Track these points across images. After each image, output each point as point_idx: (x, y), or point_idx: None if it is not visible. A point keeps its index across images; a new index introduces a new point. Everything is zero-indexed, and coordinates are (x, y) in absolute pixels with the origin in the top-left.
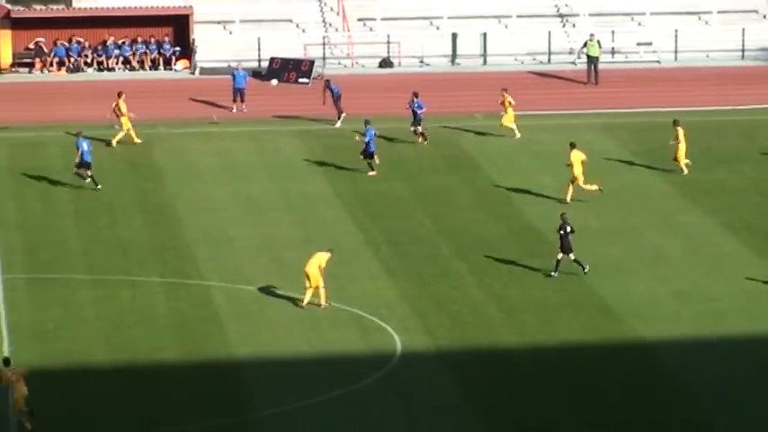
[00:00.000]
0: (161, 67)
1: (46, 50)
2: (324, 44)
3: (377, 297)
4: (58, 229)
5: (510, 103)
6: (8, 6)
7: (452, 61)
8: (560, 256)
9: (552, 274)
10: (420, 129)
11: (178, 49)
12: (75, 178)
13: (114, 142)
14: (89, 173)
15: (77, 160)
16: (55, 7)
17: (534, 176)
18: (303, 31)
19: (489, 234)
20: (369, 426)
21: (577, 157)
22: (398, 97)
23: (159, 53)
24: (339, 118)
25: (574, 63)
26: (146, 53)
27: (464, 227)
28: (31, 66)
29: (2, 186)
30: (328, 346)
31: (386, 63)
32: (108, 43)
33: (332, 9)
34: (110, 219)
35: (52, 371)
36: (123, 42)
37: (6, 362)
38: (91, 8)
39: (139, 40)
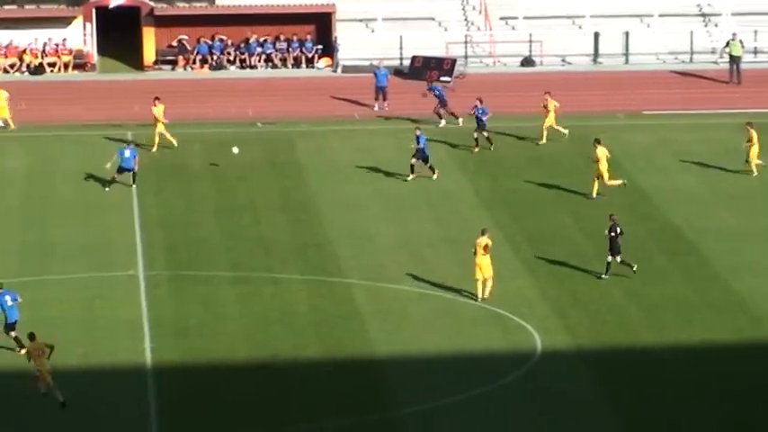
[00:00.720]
0: (303, 65)
1: (189, 48)
2: (466, 43)
3: (518, 296)
4: (199, 226)
5: (555, 106)
6: (152, 4)
7: (594, 60)
8: (610, 258)
9: (603, 276)
10: (485, 134)
11: (320, 47)
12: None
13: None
14: (117, 178)
15: (117, 167)
16: (198, 5)
17: (675, 176)
18: (445, 29)
19: (630, 233)
20: (508, 424)
21: (603, 153)
22: (540, 96)
23: (301, 51)
24: (449, 118)
25: (716, 63)
26: (288, 51)
27: (605, 226)
28: (174, 63)
29: (144, 183)
30: (469, 344)
31: (528, 62)
32: (250, 41)
33: (474, 8)
34: (252, 216)
35: (194, 367)
36: (266, 40)
37: (32, 337)
38: (234, 6)
39: (282, 37)
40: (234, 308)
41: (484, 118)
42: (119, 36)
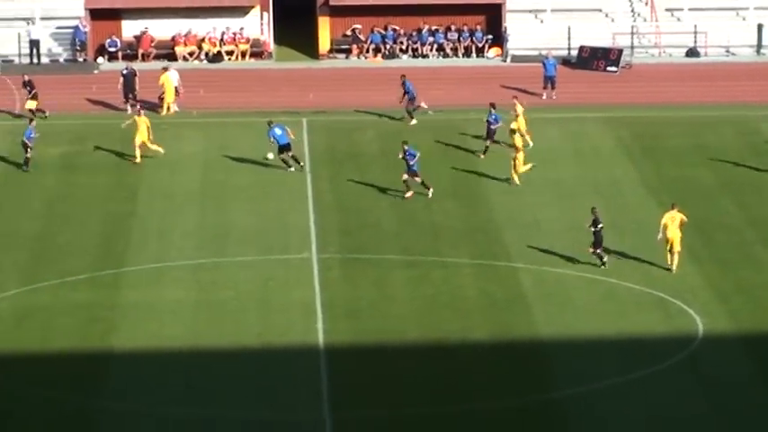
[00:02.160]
0: (473, 54)
1: (362, 37)
2: (632, 33)
3: (681, 281)
4: (372, 211)
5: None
6: None
7: (758, 51)
8: (591, 250)
9: (604, 266)
10: (488, 143)
11: (490, 37)
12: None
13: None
14: (290, 154)
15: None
16: None
17: None
18: (612, 20)
19: None
20: (669, 406)
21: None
22: (705, 86)
23: (472, 41)
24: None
25: None
26: (459, 41)
27: None
28: (347, 52)
29: (318, 169)
30: (631, 328)
31: (692, 52)
32: (422, 31)
33: (640, 0)
34: (423, 202)
35: (364, 348)
36: (437, 30)
37: None
38: None
39: (453, 28)
40: (404, 291)
41: (494, 126)
42: (294, 25)
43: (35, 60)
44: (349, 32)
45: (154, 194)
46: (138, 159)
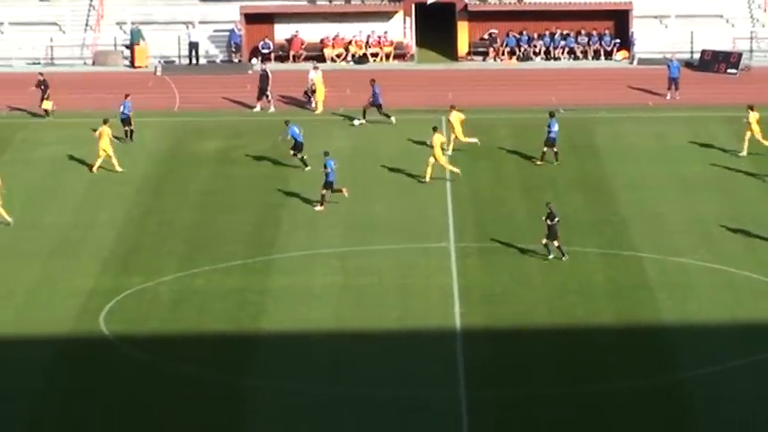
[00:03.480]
0: (602, 57)
1: (498, 40)
2: (751, 38)
3: None
4: (506, 202)
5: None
6: (466, 0)
7: None
8: (545, 241)
9: (549, 257)
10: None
11: (618, 41)
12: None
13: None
14: (300, 155)
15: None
16: (508, 1)
17: None
18: (732, 26)
19: None
20: None
21: (438, 140)
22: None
23: (600, 44)
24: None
25: None
26: (588, 44)
27: None
28: (484, 54)
29: (456, 163)
30: (751, 315)
31: None
32: (555, 35)
33: (759, 6)
34: (554, 194)
35: (499, 331)
36: (568, 34)
37: None
38: (540, 3)
39: (583, 32)
40: (536, 277)
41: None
42: (435, 29)
43: (194, 61)
44: (486, 36)
45: (303, 186)
46: None
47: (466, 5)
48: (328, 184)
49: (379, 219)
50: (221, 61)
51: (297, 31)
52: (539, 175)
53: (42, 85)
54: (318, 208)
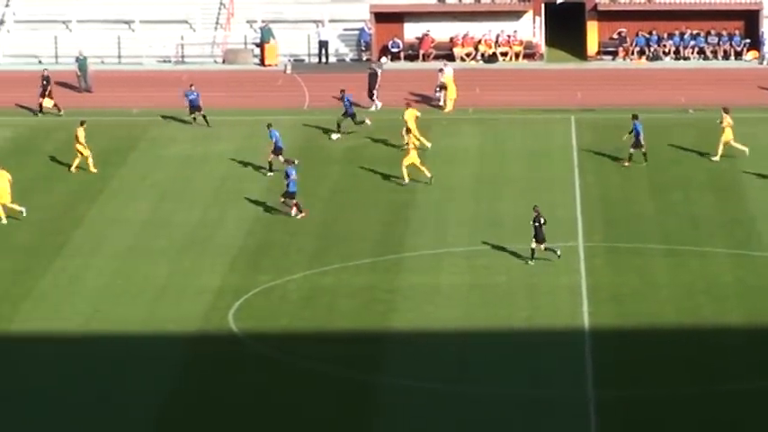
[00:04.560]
0: (731, 57)
1: (628, 40)
2: None
3: None
4: (635, 202)
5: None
6: (596, 0)
7: None
8: (534, 245)
9: (530, 262)
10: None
11: (748, 41)
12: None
13: (73, 168)
14: (281, 158)
15: (272, 148)
16: (638, 1)
17: None
18: None
19: None
20: None
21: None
22: None
23: (730, 45)
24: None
25: None
26: (718, 44)
27: None
28: (614, 53)
29: (585, 163)
30: None
31: None
32: (684, 35)
33: None
34: (683, 194)
35: (627, 330)
36: (698, 34)
37: None
38: (669, 2)
39: (713, 32)
40: (664, 277)
41: (638, 134)
42: (564, 29)
43: (323, 60)
44: (615, 36)
45: (431, 185)
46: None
47: (596, 5)
48: (289, 194)
49: (507, 217)
50: (351, 60)
51: (427, 30)
52: (667, 175)
53: (45, 81)
54: (295, 214)
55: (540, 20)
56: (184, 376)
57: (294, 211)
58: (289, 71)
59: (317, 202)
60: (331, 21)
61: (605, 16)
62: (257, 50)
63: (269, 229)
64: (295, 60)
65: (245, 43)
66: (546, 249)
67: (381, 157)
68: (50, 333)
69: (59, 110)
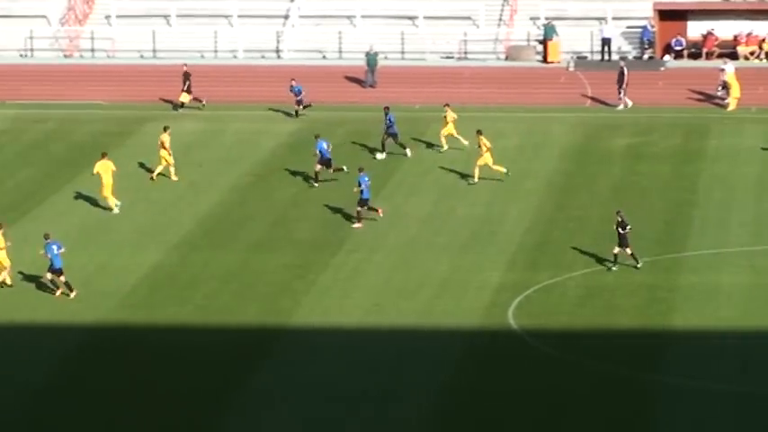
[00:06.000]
0: None
1: None
2: None
3: None
4: None
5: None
6: None
7: None
8: (617, 250)
9: (613, 268)
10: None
11: None
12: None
13: (155, 175)
14: (330, 169)
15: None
16: None
17: None
18: None
19: None
20: None
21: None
22: None
23: None
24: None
25: None
26: None
27: None
28: None
29: None
30: None
31: None
32: None
33: None
34: None
35: None
36: None
37: None
38: None
39: None
40: None
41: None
42: None
43: (605, 57)
44: None
45: (713, 184)
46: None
47: None
48: (363, 201)
49: None
50: (633, 58)
51: (712, 29)
52: None
53: (185, 77)
54: (356, 225)
55: None
56: (462, 371)
57: (379, 212)
58: (571, 68)
59: (596, 199)
60: (614, 18)
61: None
62: (540, 47)
63: (550, 227)
64: (578, 58)
65: (528, 40)
66: (631, 255)
67: (663, 155)
68: (330, 327)
69: (201, 102)
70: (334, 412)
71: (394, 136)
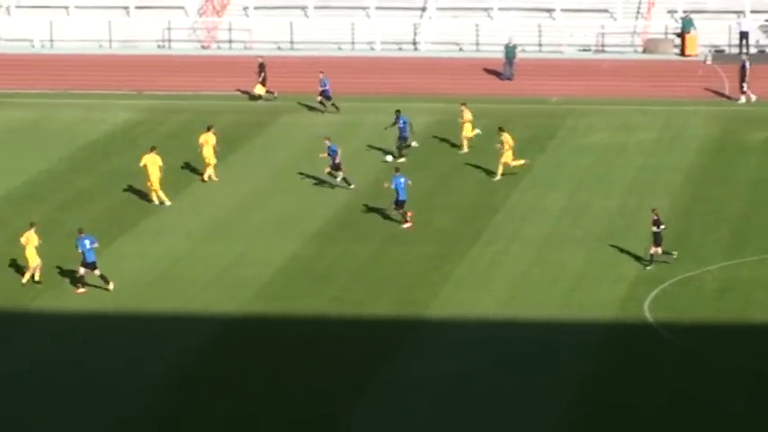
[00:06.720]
0: None
1: None
2: None
3: None
4: None
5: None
6: None
7: None
8: (653, 250)
9: (648, 267)
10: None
11: None
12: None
13: (206, 176)
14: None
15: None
16: None
17: None
18: None
19: None
20: None
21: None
22: None
23: None
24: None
25: None
26: None
27: None
28: None
29: None
30: None
31: None
32: None
33: None
34: None
35: None
36: None
37: None
38: None
39: None
40: None
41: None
42: None
43: (744, 50)
44: None
45: None
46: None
47: None
48: (400, 203)
49: None
50: None
51: None
52: None
53: (260, 68)
54: (406, 225)
55: None
56: (600, 363)
57: (407, 218)
58: (709, 62)
59: (735, 193)
60: (753, 11)
61: None
62: (677, 40)
63: (687, 219)
64: (716, 51)
65: (666, 33)
66: (664, 253)
67: None
68: (466, 318)
69: (273, 94)
70: (467, 405)
71: (403, 139)
